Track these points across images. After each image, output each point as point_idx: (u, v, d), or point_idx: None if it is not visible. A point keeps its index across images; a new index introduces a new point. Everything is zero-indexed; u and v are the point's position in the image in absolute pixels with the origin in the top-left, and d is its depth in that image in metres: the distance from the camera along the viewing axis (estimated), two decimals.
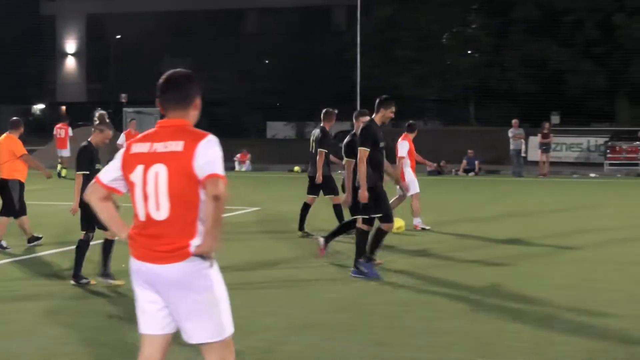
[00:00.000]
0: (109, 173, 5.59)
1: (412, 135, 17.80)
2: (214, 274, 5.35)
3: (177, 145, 5.30)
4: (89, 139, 11.88)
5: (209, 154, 5.27)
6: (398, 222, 16.55)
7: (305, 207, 16.82)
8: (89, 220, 11.30)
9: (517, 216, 20.70)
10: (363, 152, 11.94)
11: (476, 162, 39.60)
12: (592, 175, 38.48)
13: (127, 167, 5.44)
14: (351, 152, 13.08)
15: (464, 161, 39.82)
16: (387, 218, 12.11)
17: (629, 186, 32.32)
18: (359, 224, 12.33)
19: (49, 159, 34.27)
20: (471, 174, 39.00)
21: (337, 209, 16.45)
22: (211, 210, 5.13)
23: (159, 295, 5.39)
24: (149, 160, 5.35)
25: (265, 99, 67.35)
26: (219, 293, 5.36)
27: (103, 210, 5.66)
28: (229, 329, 5.43)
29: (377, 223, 12.29)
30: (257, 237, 16.97)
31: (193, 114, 5.53)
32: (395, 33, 58.51)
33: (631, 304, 10.46)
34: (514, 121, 38.29)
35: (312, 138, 16.88)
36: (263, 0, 72.90)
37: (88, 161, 11.61)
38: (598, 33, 53.70)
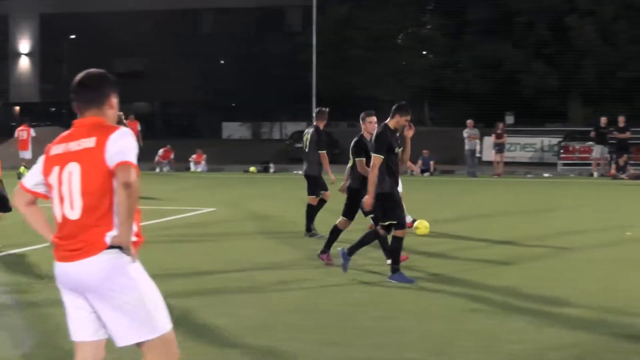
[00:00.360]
0: (32, 177, 5.57)
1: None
2: (135, 271, 5.27)
3: (89, 142, 5.26)
4: None
5: (120, 144, 5.20)
6: (422, 224, 16.61)
7: (321, 204, 16.88)
8: None
9: (475, 216, 20.81)
10: (377, 159, 11.80)
11: (431, 162, 39.79)
12: (546, 175, 38.82)
13: (46, 170, 5.43)
14: (361, 152, 13.17)
15: (420, 161, 39.97)
16: (401, 225, 11.95)
17: (583, 186, 32.62)
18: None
19: (5, 160, 33.93)
20: (426, 174, 39.17)
21: (311, 210, 16.64)
22: (123, 200, 5.07)
23: (84, 301, 5.33)
24: (63, 160, 5.32)
25: (221, 99, 67.23)
26: (144, 291, 5.29)
27: (28, 215, 5.62)
28: (163, 325, 5.36)
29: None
30: (213, 238, 16.92)
31: (109, 113, 5.48)
32: (350, 33, 58.60)
33: (586, 303, 10.54)
34: (469, 121, 38.56)
35: (305, 137, 17.02)
36: (218, 0, 72.68)
37: None
38: (551, 34, 54.16)
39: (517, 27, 54.88)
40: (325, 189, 16.72)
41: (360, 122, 13.92)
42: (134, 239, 5.22)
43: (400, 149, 12.27)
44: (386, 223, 11.94)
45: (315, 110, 16.97)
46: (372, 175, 11.84)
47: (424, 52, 62.35)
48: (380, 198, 11.90)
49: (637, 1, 52.10)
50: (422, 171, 39.41)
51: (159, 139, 46.47)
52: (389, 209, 11.92)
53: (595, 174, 37.92)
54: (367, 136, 13.46)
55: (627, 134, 37.18)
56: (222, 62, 70.99)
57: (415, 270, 12.71)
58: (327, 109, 17.12)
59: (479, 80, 55.04)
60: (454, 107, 54.11)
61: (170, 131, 61.10)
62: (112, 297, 5.22)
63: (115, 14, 71.07)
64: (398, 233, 11.91)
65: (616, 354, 8.33)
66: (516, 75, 53.79)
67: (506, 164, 40.21)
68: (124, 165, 5.11)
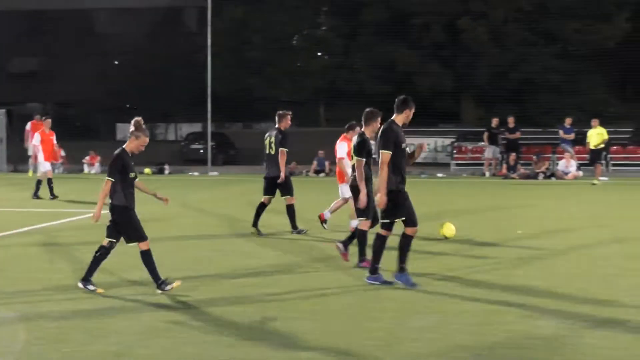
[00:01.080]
0: None
1: (350, 135, 16.98)
2: None
3: None
4: (123, 146, 11.60)
5: None
6: (448, 227, 16.53)
7: (261, 206, 17.13)
8: (118, 229, 11.19)
9: None
10: (385, 155, 11.64)
11: (326, 163, 39.95)
12: (440, 175, 39.35)
13: None
14: (362, 152, 12.91)
15: (315, 162, 40.15)
16: (411, 222, 11.69)
17: (475, 185, 33.12)
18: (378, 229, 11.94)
19: None
20: (322, 174, 39.32)
21: (290, 209, 16.97)
22: None
23: None
24: None
25: (115, 100, 66.39)
26: None
27: None
28: None
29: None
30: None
31: None
32: (247, 35, 58.51)
33: (485, 301, 10.70)
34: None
35: (268, 140, 17.12)
36: (114, 0, 71.79)
37: (118, 169, 11.29)
38: (445, 36, 54.88)
39: (411, 29, 55.44)
40: (274, 194, 17.02)
41: (366, 120, 13.35)
42: None
43: (407, 147, 12.08)
44: (387, 221, 11.64)
45: (278, 113, 17.09)
46: (383, 173, 11.62)
47: (319, 53, 62.58)
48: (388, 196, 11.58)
49: (527, 4, 53.15)
50: (317, 172, 39.57)
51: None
52: (395, 206, 11.60)
53: (487, 174, 38.65)
54: (369, 135, 13.16)
55: (517, 134, 38.05)
56: (116, 62, 70.14)
57: (311, 273, 12.74)
58: (290, 112, 17.23)
59: (374, 81, 55.40)
60: (349, 108, 54.27)
61: (65, 132, 60.11)
62: None
63: (9, 13, 69.63)
64: (408, 231, 11.64)
65: (516, 349, 8.47)
66: (411, 76, 54.31)
67: None
68: None
